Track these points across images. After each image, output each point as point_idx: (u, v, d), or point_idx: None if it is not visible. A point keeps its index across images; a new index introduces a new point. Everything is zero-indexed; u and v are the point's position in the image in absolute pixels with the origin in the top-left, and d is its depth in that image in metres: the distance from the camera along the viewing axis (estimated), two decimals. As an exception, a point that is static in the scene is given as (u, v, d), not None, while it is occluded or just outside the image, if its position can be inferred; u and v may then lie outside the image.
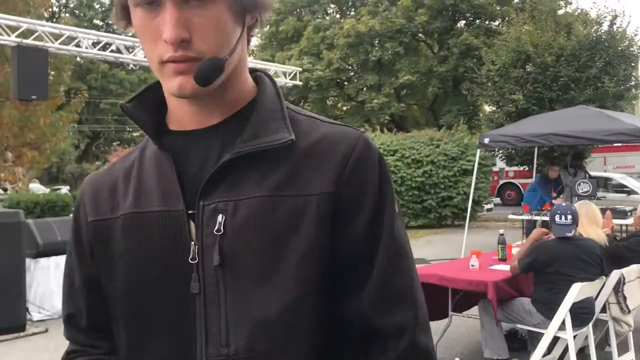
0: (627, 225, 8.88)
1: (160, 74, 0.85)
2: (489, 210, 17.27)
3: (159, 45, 0.82)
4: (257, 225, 0.84)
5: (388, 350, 0.86)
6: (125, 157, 0.99)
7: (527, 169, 14.59)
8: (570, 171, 10.53)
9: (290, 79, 11.41)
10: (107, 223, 0.92)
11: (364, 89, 22.22)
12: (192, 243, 0.85)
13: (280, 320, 0.83)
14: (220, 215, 0.84)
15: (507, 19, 20.11)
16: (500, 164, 19.35)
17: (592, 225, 4.76)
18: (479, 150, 10.45)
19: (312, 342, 0.84)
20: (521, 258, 4.48)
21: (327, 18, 23.58)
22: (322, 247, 0.84)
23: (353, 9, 24.05)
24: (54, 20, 25.38)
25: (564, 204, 4.62)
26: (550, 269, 4.28)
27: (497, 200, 21.71)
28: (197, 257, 0.84)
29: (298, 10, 23.65)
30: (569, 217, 4.33)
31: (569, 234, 4.33)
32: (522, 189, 21.65)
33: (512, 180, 22.24)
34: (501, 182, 22.51)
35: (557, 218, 4.38)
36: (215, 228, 0.84)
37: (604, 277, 4.45)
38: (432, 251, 11.05)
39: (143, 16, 0.83)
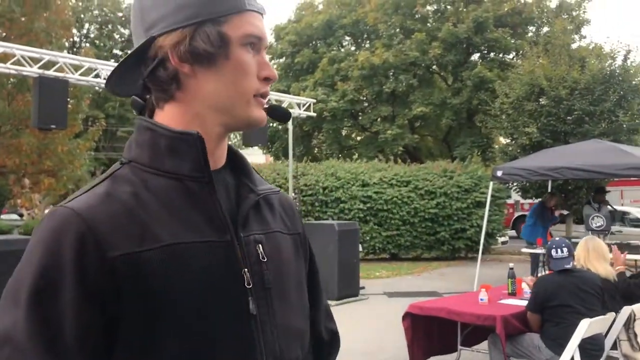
0: (641, 261, 8.80)
1: (249, 105, 0.99)
2: (504, 243, 17.13)
3: (255, 81, 0.98)
4: (281, 253, 1.04)
5: (336, 345, 1.26)
6: (113, 185, 0.92)
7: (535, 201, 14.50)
8: (594, 206, 10.48)
9: (305, 110, 11.55)
10: (144, 255, 0.86)
11: (378, 119, 22.32)
12: (245, 270, 0.96)
13: (306, 332, 1.07)
14: (259, 245, 1.00)
15: (521, 52, 20.22)
16: (515, 196, 19.25)
17: (600, 260, 4.75)
18: (492, 182, 10.44)
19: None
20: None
21: (342, 50, 23.85)
22: (305, 274, 1.14)
23: (368, 42, 24.33)
24: (75, 50, 26.00)
25: (558, 238, 4.66)
26: (553, 302, 4.28)
27: (513, 232, 21.52)
28: (250, 282, 0.96)
29: (313, 42, 23.97)
30: (565, 250, 4.39)
31: (568, 266, 4.38)
32: (537, 221, 21.47)
33: (528, 213, 22.08)
34: (516, 214, 22.34)
35: (553, 252, 4.43)
36: (259, 256, 0.99)
37: (612, 312, 4.42)
38: (445, 284, 10.97)
39: (248, 54, 0.98)
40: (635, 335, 4.49)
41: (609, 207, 10.82)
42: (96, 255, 0.84)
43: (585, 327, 4.05)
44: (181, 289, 0.88)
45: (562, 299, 4.25)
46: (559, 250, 4.41)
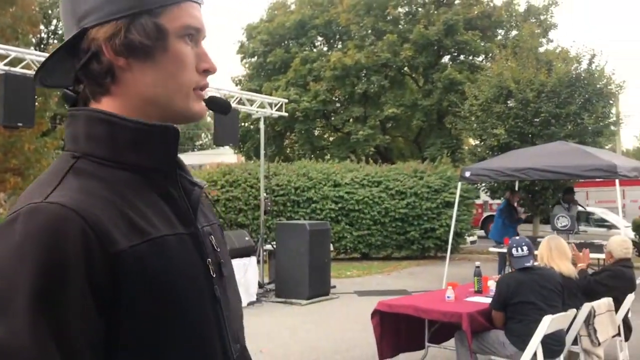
0: (604, 260, 9.04)
1: (188, 98, 0.97)
2: (472, 242, 17.38)
3: (194, 74, 0.97)
4: (222, 244, 1.06)
5: None
6: (80, 180, 0.88)
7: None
8: (564, 205, 10.78)
9: (277, 110, 11.56)
10: (138, 249, 0.85)
11: (350, 120, 22.44)
12: (209, 260, 0.98)
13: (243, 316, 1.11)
14: (211, 237, 1.03)
15: (490, 55, 20.57)
16: (484, 196, 19.56)
17: (563, 258, 4.89)
18: (460, 183, 10.61)
19: None
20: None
21: (315, 50, 23.91)
22: None
23: (340, 42, 24.44)
24: (43, 46, 25.52)
25: (518, 237, 4.78)
26: (516, 299, 4.40)
27: (481, 232, 21.85)
28: (213, 271, 0.99)
29: (286, 42, 23.98)
30: (525, 248, 4.52)
31: (528, 264, 4.50)
32: (505, 221, 21.85)
33: (495, 213, 22.44)
34: (485, 214, 22.69)
35: (514, 251, 4.55)
36: (213, 247, 1.02)
37: (574, 308, 4.56)
38: (414, 283, 11.10)
39: (186, 46, 0.96)
40: (595, 331, 4.64)
41: (578, 206, 11.13)
42: (100, 251, 0.81)
43: (547, 324, 4.18)
44: (171, 279, 0.88)
45: (524, 296, 4.37)
46: (519, 249, 4.53)
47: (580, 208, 11.19)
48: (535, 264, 5.07)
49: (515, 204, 11.19)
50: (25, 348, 0.75)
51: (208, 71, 0.99)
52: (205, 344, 0.93)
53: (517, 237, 4.79)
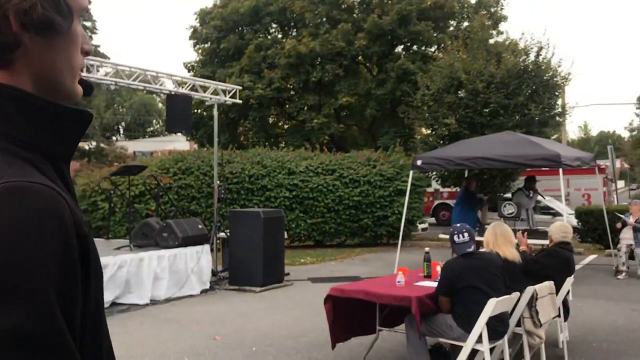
0: (547, 245, 9.43)
1: (74, 79, 0.93)
2: (423, 229, 17.75)
3: (80, 55, 0.93)
4: None
5: None
6: (16, 161, 0.82)
7: (458, 190, 15.13)
8: (525, 193, 11.21)
9: (230, 97, 11.49)
10: (87, 231, 0.84)
11: (305, 108, 22.45)
12: None
13: None
14: None
15: (442, 46, 20.90)
16: (435, 185, 19.97)
17: (507, 244, 5.10)
18: (412, 171, 10.81)
19: None
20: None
21: (269, 37, 23.78)
22: None
23: (295, 30, 24.37)
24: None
25: (458, 224, 4.95)
26: (460, 284, 4.57)
27: (432, 220, 22.32)
28: None
29: (240, 28, 23.74)
30: (466, 234, 4.69)
31: (469, 250, 4.67)
32: (455, 209, 22.41)
33: (447, 201, 22.96)
34: (436, 202, 23.18)
35: (455, 238, 4.72)
36: None
37: (517, 292, 4.76)
38: (367, 269, 11.29)
39: (80, 27, 0.92)
40: (537, 312, 4.87)
41: (539, 195, 11.60)
42: (77, 232, 0.79)
43: (492, 307, 4.36)
44: (98, 266, 0.88)
45: (469, 280, 4.55)
46: (460, 235, 4.70)
47: (539, 197, 11.68)
48: (482, 249, 5.26)
49: (474, 190, 11.63)
50: (50, 333, 0.73)
51: (87, 53, 0.95)
52: (106, 327, 0.94)
53: (458, 225, 4.93)
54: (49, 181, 0.80)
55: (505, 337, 4.73)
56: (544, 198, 11.98)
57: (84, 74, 9.30)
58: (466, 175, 12.68)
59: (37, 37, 0.85)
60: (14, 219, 0.73)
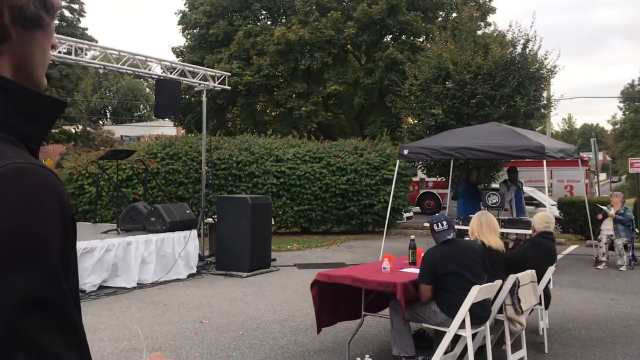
0: (530, 235, 9.60)
1: (43, 72, 0.99)
2: (409, 218, 17.94)
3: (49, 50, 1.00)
4: None
5: None
6: (9, 143, 0.89)
7: (444, 179, 15.29)
8: (508, 184, 11.39)
9: (219, 83, 11.49)
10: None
11: (293, 96, 22.44)
12: None
13: None
14: None
15: (430, 36, 20.96)
16: (421, 174, 20.13)
17: (492, 233, 5.23)
18: (398, 160, 10.92)
19: None
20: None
21: (259, 24, 23.67)
22: None
23: (284, 17, 24.28)
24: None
25: (437, 214, 5.07)
26: (442, 270, 4.68)
27: (417, 209, 22.52)
28: None
29: (229, 14, 23.60)
30: (445, 223, 4.81)
31: (449, 237, 4.79)
32: (440, 198, 22.62)
33: (432, 190, 23.18)
34: (421, 191, 23.38)
35: (435, 227, 4.84)
36: None
37: (499, 279, 4.89)
38: (352, 256, 11.43)
39: (54, 25, 0.99)
40: (519, 300, 4.99)
41: (517, 187, 11.77)
42: (68, 210, 0.87)
43: (474, 293, 4.48)
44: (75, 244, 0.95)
45: (450, 266, 4.66)
46: (439, 224, 4.81)
47: (516, 187, 11.83)
48: (467, 238, 5.38)
49: (475, 180, 11.85)
50: (58, 298, 0.80)
51: (54, 47, 1.03)
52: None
53: (437, 214, 5.07)
54: (37, 162, 0.86)
55: (487, 323, 4.85)
56: (521, 189, 12.17)
57: (73, 56, 9.26)
58: (451, 165, 12.81)
59: (23, 31, 0.91)
60: (21, 196, 0.80)
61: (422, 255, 5.00)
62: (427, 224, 10.92)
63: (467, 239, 5.30)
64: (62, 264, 0.82)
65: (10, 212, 0.78)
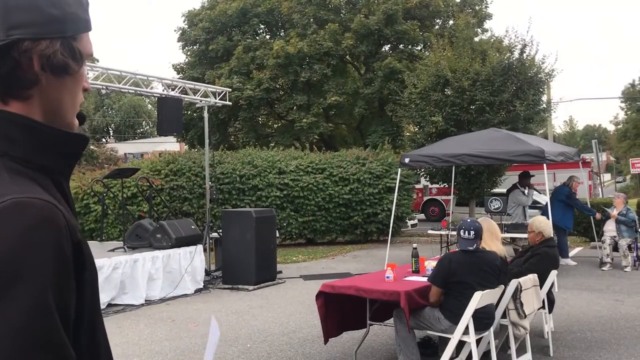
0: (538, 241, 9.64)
1: (74, 113, 1.06)
2: (413, 225, 17.98)
3: (81, 93, 1.07)
4: None
5: None
6: (19, 177, 0.95)
7: (446, 186, 15.34)
8: (521, 190, 11.27)
9: (220, 99, 11.62)
10: (82, 239, 0.97)
11: (294, 108, 22.59)
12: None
13: None
14: None
15: (428, 44, 21.12)
16: (424, 181, 20.19)
17: (493, 239, 5.28)
18: (400, 169, 11.00)
19: None
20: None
21: (257, 39, 23.89)
22: None
23: (282, 31, 24.50)
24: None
25: (469, 220, 5.08)
26: (454, 278, 4.72)
27: (422, 216, 22.56)
28: None
29: (228, 29, 23.83)
30: (472, 232, 4.79)
31: (471, 248, 4.79)
32: (444, 205, 22.66)
33: (436, 197, 23.21)
34: (425, 198, 23.41)
35: (462, 233, 4.85)
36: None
37: (502, 285, 4.94)
38: (358, 266, 11.47)
39: (84, 70, 1.07)
40: (522, 304, 5.04)
41: (534, 190, 11.66)
42: (71, 240, 0.92)
43: (477, 299, 4.54)
44: (94, 268, 1.02)
45: (462, 276, 4.69)
46: (467, 232, 4.80)
47: (535, 192, 11.69)
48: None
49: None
50: (46, 330, 0.84)
51: (86, 90, 1.09)
52: (103, 327, 1.07)
53: (469, 220, 5.04)
54: (48, 196, 0.92)
55: (492, 329, 4.90)
56: (540, 193, 12.10)
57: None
58: (453, 171, 12.88)
59: (52, 77, 0.99)
60: (18, 229, 0.85)
61: (440, 257, 5.02)
62: (431, 231, 11.10)
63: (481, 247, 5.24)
64: (58, 293, 0.86)
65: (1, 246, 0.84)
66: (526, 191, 11.14)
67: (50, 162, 1.01)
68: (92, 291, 1.00)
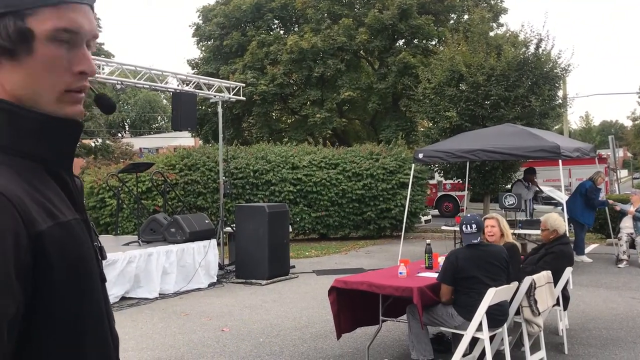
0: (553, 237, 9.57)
1: (57, 101, 0.96)
2: (427, 221, 17.91)
3: (67, 76, 0.96)
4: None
5: None
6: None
7: (461, 181, 15.26)
8: (524, 184, 11.33)
9: (234, 94, 11.64)
10: (53, 231, 0.90)
11: (307, 103, 22.58)
12: (95, 244, 1.05)
13: None
14: (91, 223, 1.06)
15: (442, 39, 20.97)
16: (438, 177, 20.09)
17: (509, 231, 5.26)
18: (413, 164, 10.96)
19: None
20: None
21: (271, 34, 23.89)
22: None
23: (296, 26, 24.47)
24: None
25: (469, 215, 5.07)
26: (463, 274, 4.71)
27: (436, 212, 22.47)
28: (99, 255, 1.07)
29: (242, 25, 23.86)
30: (474, 226, 4.81)
31: (475, 241, 4.80)
32: (458, 200, 22.55)
33: (450, 193, 23.09)
34: (439, 194, 23.31)
35: (464, 228, 4.85)
36: (95, 232, 1.08)
37: (515, 281, 4.92)
38: (371, 261, 11.46)
39: (58, 49, 0.95)
40: (536, 301, 5.01)
41: (536, 187, 11.73)
42: (25, 232, 0.86)
43: (491, 296, 4.52)
44: (82, 258, 0.96)
45: (470, 271, 4.68)
46: (469, 226, 4.83)
47: (536, 188, 11.81)
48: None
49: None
50: None
51: (85, 73, 0.98)
52: (103, 320, 1.01)
53: (469, 215, 5.06)
54: (9, 185, 0.86)
55: (505, 326, 4.88)
56: (541, 190, 12.07)
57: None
58: (467, 167, 12.80)
59: (4, 60, 0.93)
60: None
61: (446, 255, 5.03)
62: (445, 227, 11.06)
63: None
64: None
65: None
66: (529, 185, 11.34)
67: (30, 147, 0.94)
68: (71, 293, 0.93)
